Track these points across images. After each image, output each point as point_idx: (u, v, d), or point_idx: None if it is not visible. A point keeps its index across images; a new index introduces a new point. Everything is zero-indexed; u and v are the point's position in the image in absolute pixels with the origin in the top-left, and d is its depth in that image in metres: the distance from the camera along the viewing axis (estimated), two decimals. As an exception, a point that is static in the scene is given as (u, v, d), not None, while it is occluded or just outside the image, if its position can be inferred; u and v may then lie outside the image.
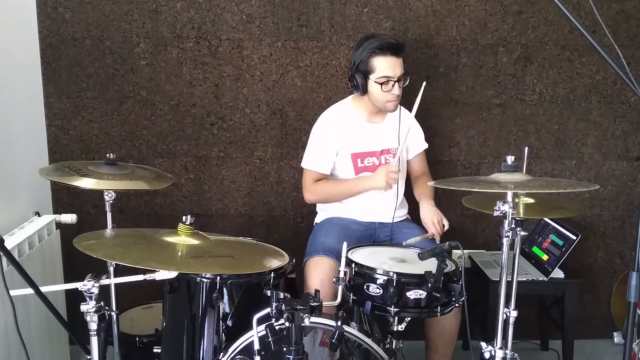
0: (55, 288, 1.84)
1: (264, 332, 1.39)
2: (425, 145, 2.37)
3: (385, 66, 2.03)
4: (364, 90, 2.09)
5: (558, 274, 2.31)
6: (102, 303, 1.39)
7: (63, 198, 2.48)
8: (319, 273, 1.95)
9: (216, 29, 2.41)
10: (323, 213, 2.32)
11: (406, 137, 2.11)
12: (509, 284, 1.60)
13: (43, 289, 1.38)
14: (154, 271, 1.35)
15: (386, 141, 2.22)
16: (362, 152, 2.19)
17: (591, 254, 2.75)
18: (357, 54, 2.08)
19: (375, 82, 2.05)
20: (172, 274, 1.38)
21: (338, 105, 2.25)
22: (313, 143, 2.23)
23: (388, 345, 1.72)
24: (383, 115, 2.23)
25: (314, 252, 2.04)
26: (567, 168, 2.65)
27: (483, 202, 1.94)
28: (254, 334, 1.40)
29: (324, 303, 1.43)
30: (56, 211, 2.45)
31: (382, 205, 2.22)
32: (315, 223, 2.34)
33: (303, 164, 2.24)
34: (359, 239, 2.09)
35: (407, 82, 2.10)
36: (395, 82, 2.05)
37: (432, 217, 2.10)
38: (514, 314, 1.60)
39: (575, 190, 1.51)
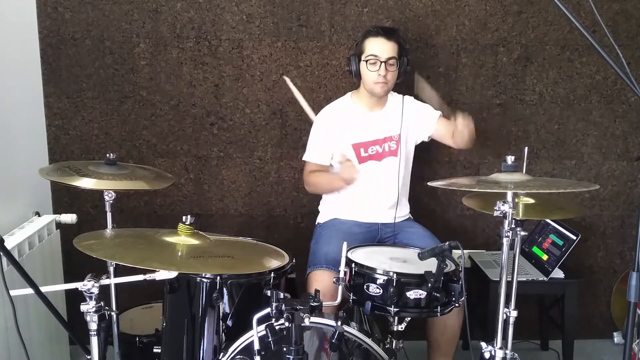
0: (55, 288, 1.84)
1: (264, 332, 1.38)
2: (439, 112, 2.25)
3: (373, 46, 2.09)
4: (357, 74, 2.15)
5: (558, 274, 2.31)
6: (102, 303, 1.39)
7: (63, 198, 2.48)
8: (321, 287, 1.95)
9: (216, 29, 2.41)
10: (325, 213, 2.32)
11: (402, 122, 2.18)
12: (509, 284, 1.60)
13: (43, 289, 1.38)
14: (154, 271, 1.35)
15: (388, 129, 2.23)
16: (364, 142, 2.21)
17: (591, 254, 2.75)
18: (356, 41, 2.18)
19: (364, 61, 2.11)
20: (172, 274, 1.38)
21: (337, 101, 2.29)
22: (311, 136, 2.28)
23: (388, 345, 1.72)
24: (383, 104, 2.25)
25: (317, 264, 2.04)
26: (567, 168, 2.65)
27: (483, 202, 1.94)
28: (254, 334, 1.40)
29: (324, 303, 1.43)
30: (56, 211, 2.45)
31: (383, 206, 2.22)
32: (318, 223, 2.34)
33: (303, 157, 2.30)
34: (362, 242, 2.08)
35: (400, 68, 2.13)
36: (382, 62, 2.08)
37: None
38: (514, 314, 1.60)
39: (575, 190, 1.51)
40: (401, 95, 2.25)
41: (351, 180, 2.09)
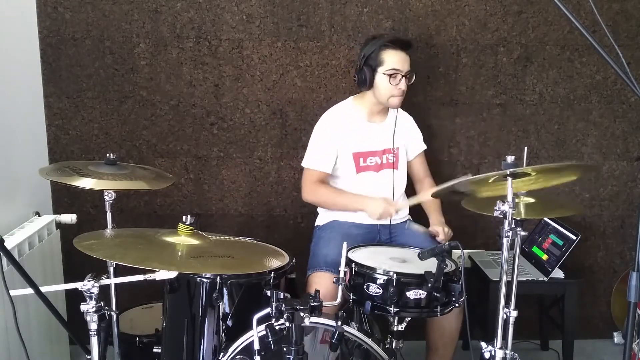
0: (55, 288, 1.84)
1: (264, 332, 1.39)
2: (424, 147, 2.37)
3: (395, 59, 2.09)
4: (370, 84, 2.12)
5: (558, 274, 2.30)
6: (102, 303, 1.39)
7: (63, 198, 2.48)
8: (321, 289, 1.94)
9: (216, 29, 2.41)
10: (324, 215, 2.31)
11: (393, 135, 2.19)
12: (509, 284, 1.60)
13: (43, 289, 1.38)
14: (154, 271, 1.35)
15: (388, 141, 2.22)
16: (363, 152, 2.20)
17: (591, 254, 2.75)
18: (366, 48, 2.13)
19: (383, 74, 2.09)
20: (172, 274, 1.38)
21: (339, 106, 2.26)
22: (314, 142, 2.24)
23: (388, 345, 1.72)
24: (384, 115, 2.24)
25: (317, 267, 2.04)
26: (567, 168, 2.65)
27: (483, 202, 1.93)
28: (254, 334, 1.40)
29: (324, 303, 1.43)
30: (56, 211, 2.45)
31: None
32: (317, 226, 2.33)
33: (304, 163, 2.25)
34: (361, 243, 2.08)
35: (413, 80, 2.15)
36: (402, 76, 2.09)
37: (443, 226, 2.17)
38: (514, 314, 1.60)
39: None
40: (397, 109, 2.25)
41: (379, 218, 2.10)
